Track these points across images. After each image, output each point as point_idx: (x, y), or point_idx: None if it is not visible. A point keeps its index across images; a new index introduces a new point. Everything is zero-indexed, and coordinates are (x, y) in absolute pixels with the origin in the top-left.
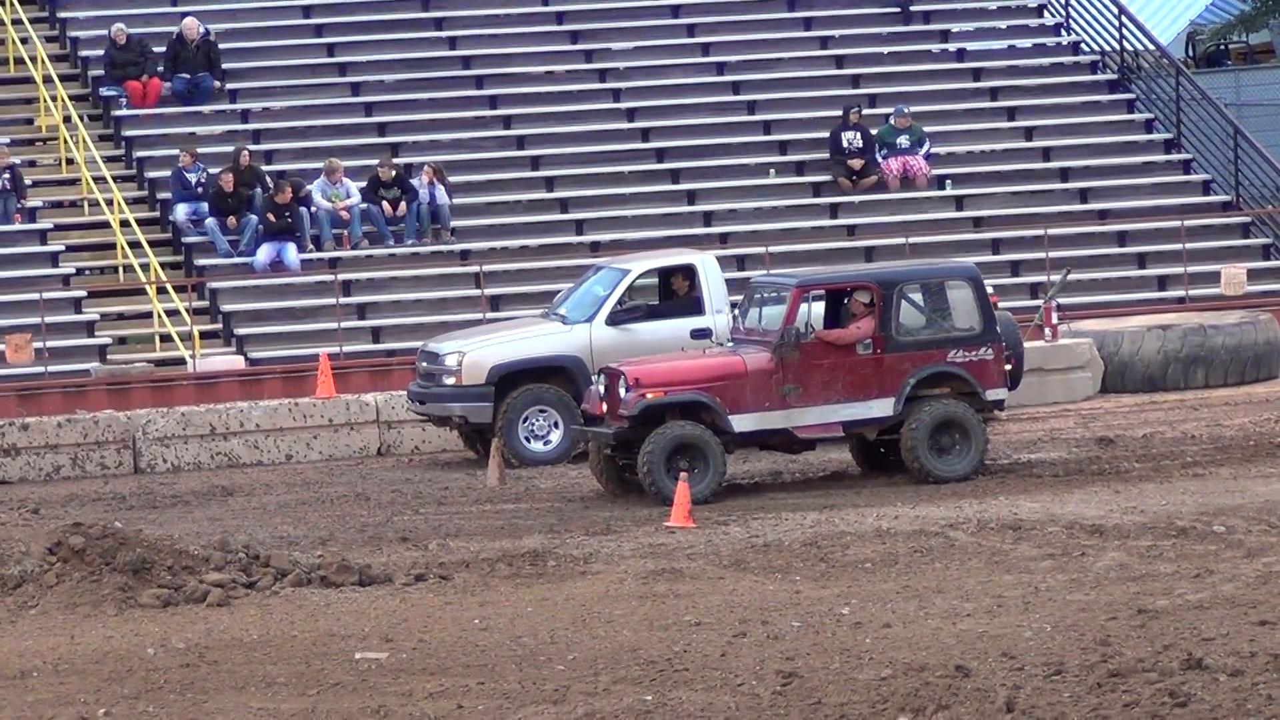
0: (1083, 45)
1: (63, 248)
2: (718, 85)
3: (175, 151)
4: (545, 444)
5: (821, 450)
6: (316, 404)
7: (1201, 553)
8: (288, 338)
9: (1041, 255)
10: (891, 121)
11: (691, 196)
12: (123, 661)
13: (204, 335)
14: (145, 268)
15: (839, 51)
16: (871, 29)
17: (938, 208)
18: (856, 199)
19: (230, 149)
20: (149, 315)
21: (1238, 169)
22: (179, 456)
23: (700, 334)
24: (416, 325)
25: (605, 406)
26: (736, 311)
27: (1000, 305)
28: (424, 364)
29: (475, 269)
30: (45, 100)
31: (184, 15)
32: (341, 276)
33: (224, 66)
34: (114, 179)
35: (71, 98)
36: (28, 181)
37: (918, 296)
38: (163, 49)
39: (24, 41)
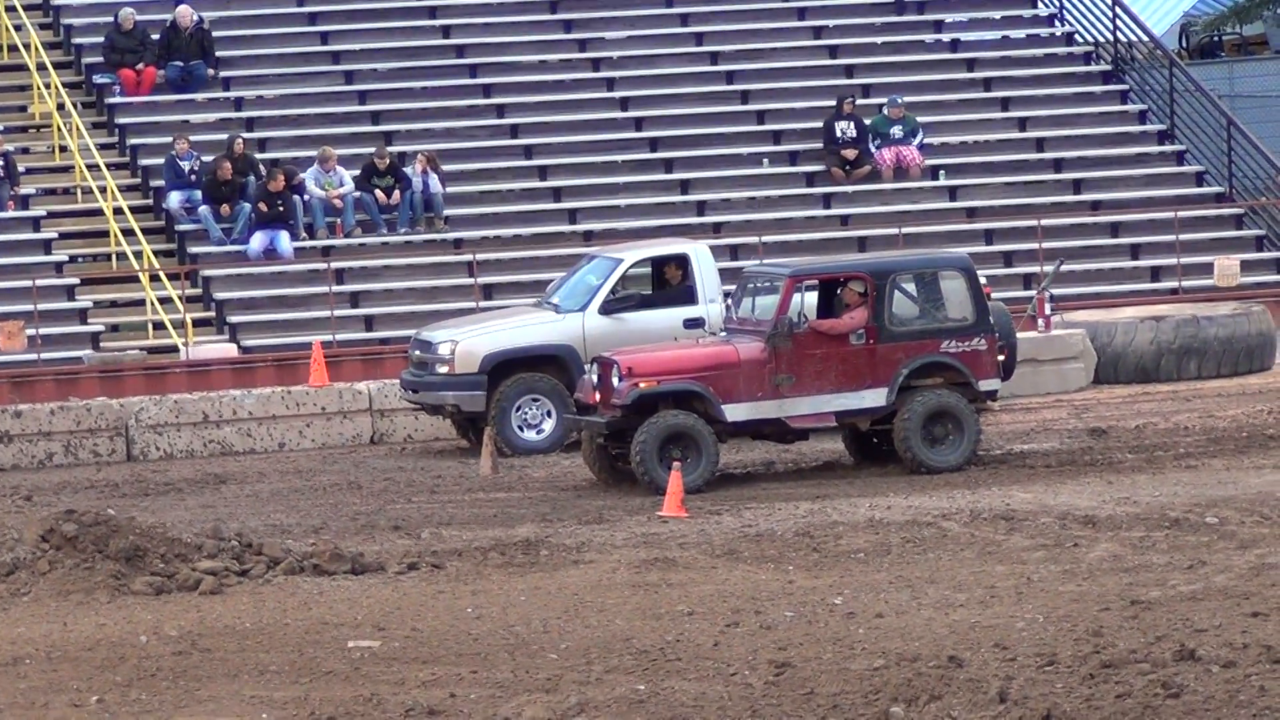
0: (1076, 36)
1: (56, 235)
2: (711, 75)
3: (168, 139)
4: (538, 433)
5: (814, 440)
6: (309, 392)
7: (1194, 544)
8: (281, 326)
9: (1034, 246)
10: (885, 112)
11: (685, 186)
12: (115, 649)
13: (197, 323)
14: (138, 255)
15: (833, 41)
16: (865, 19)
17: (931, 198)
18: (850, 189)
19: (224, 137)
20: (142, 303)
21: (1231, 160)
22: (172, 444)
23: (693, 323)
24: (409, 314)
25: (598, 396)
26: (729, 301)
27: (993, 296)
28: (417, 352)
29: (468, 258)
30: (39, 87)
31: (178, 3)
32: (335, 265)
33: (218, 54)
34: (107, 166)
35: (65, 85)
36: (21, 169)
37: (911, 287)
38: (158, 37)
39: (17, 28)
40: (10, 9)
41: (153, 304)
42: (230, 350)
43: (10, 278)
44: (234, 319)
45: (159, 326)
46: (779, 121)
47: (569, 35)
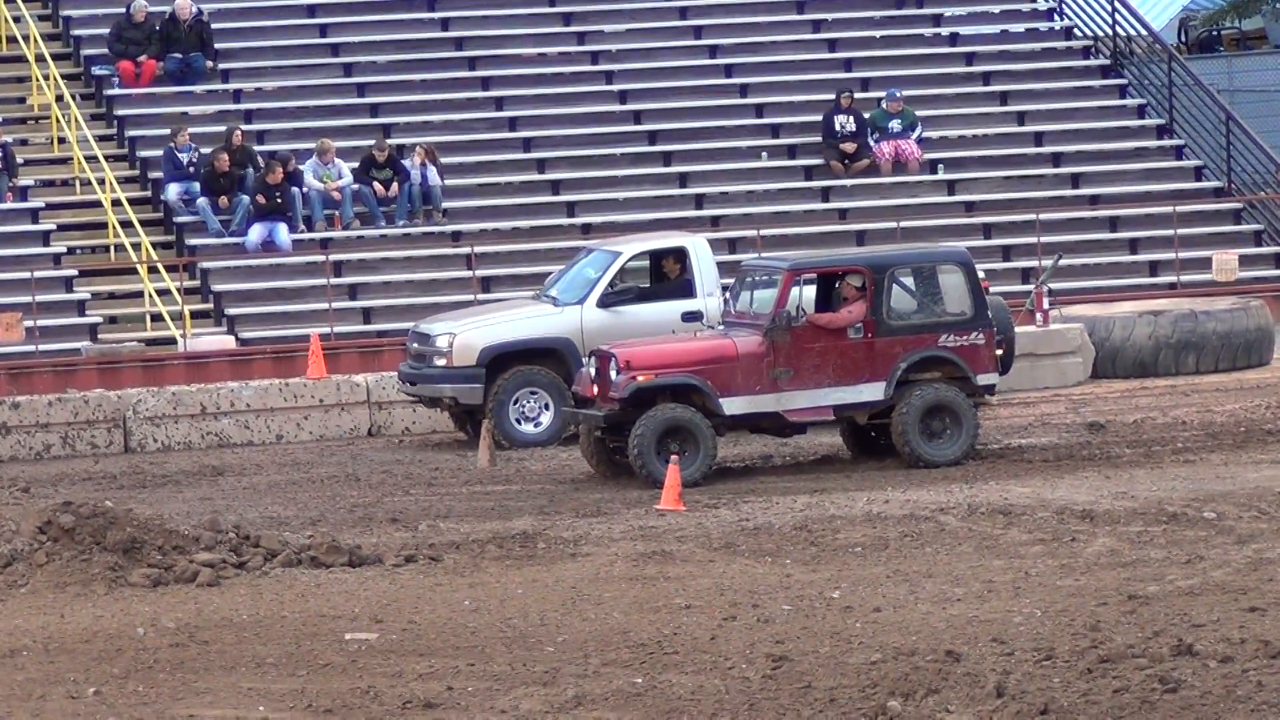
0: (1075, 30)
1: (54, 227)
2: (710, 68)
3: (167, 131)
4: (536, 426)
5: (812, 434)
6: (307, 384)
7: (1192, 539)
8: (278, 318)
9: (1033, 240)
10: (884, 105)
11: (683, 179)
12: (112, 641)
13: (195, 315)
14: (136, 247)
15: (832, 35)
16: (864, 13)
17: (929, 192)
18: (848, 183)
19: (222, 129)
20: (140, 294)
21: (1230, 155)
22: (169, 436)
23: (691, 317)
24: (407, 306)
25: (596, 389)
26: (728, 294)
27: (991, 290)
28: (415, 345)
29: (466, 250)
30: (37, 79)
31: None
32: (333, 257)
33: (216, 46)
34: (106, 158)
35: (64, 77)
36: (19, 160)
37: (909, 280)
38: (156, 29)
39: (16, 20)
40: (10, 0)
41: (151, 296)
42: (228, 342)
43: (8, 269)
44: (232, 311)
45: (157, 318)
46: (777, 115)
47: (568, 28)
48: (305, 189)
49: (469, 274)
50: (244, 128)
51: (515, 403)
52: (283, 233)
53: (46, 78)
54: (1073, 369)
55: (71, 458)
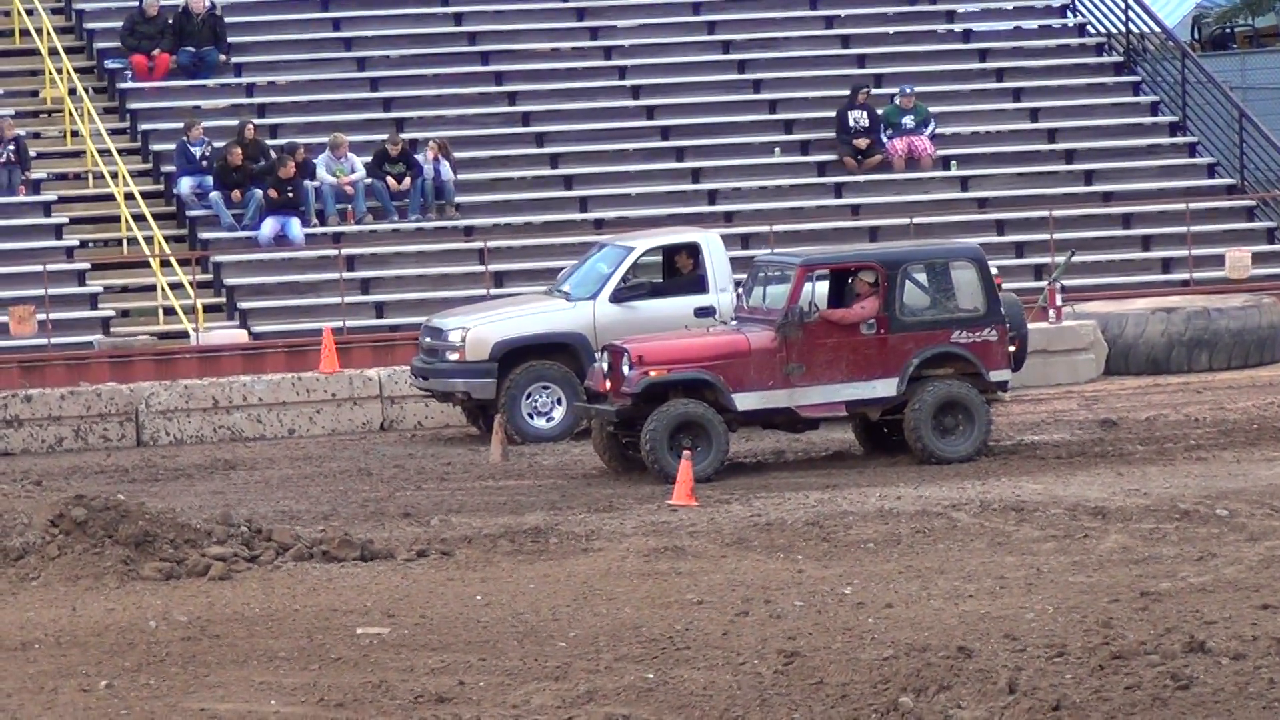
0: (1089, 27)
1: (67, 220)
2: (723, 64)
3: (180, 125)
4: (548, 421)
5: (824, 430)
6: (319, 378)
7: (1204, 536)
8: (291, 312)
9: (1046, 237)
10: (896, 101)
11: (696, 175)
12: (124, 634)
13: (207, 309)
14: (149, 241)
15: (845, 31)
16: (878, 8)
17: (942, 188)
18: (861, 179)
19: (234, 123)
20: (152, 288)
21: (1243, 152)
22: (181, 430)
23: (704, 312)
24: (420, 301)
25: (608, 384)
26: (740, 290)
27: (1004, 286)
28: (427, 339)
29: (479, 245)
30: (50, 72)
31: None
32: (345, 251)
33: (229, 40)
34: (118, 152)
35: (77, 70)
36: (32, 153)
37: (922, 277)
38: (170, 22)
39: (29, 13)
40: None
41: (163, 289)
42: (241, 336)
43: (21, 262)
44: (244, 305)
45: (169, 312)
46: (791, 111)
47: (581, 23)
48: (318, 183)
49: (482, 269)
50: (257, 122)
51: (527, 397)
52: (295, 227)
53: (59, 71)
54: (1085, 366)
55: (84, 451)
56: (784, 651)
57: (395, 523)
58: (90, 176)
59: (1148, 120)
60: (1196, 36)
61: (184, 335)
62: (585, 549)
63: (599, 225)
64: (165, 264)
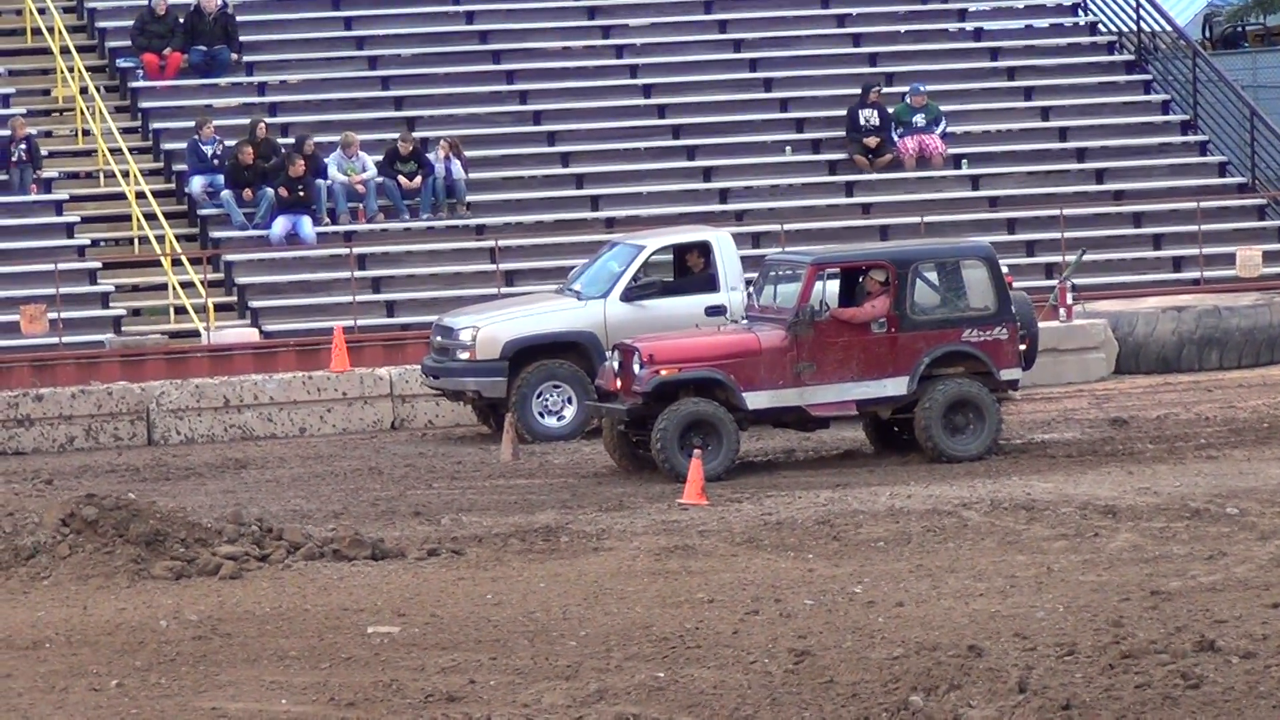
0: (1100, 26)
1: (78, 219)
2: (734, 62)
3: (191, 124)
4: (559, 419)
5: (835, 428)
6: (330, 377)
7: (1214, 535)
8: (302, 311)
9: (1057, 235)
10: (908, 100)
11: (707, 173)
12: (135, 633)
13: (218, 308)
14: (160, 240)
15: (856, 30)
16: (889, 7)
17: (953, 187)
18: (872, 177)
19: (246, 122)
20: (164, 287)
21: (1254, 151)
22: (192, 429)
23: (715, 311)
24: (431, 299)
25: (619, 382)
26: (751, 289)
27: (1015, 285)
28: (438, 338)
29: (490, 244)
30: (62, 71)
31: None
32: (356, 250)
33: (241, 39)
34: (130, 150)
35: (88, 69)
36: (44, 152)
37: (933, 275)
38: (181, 21)
39: (41, 12)
40: None
41: (174, 288)
42: (252, 335)
43: (32, 261)
44: (255, 304)
45: (180, 311)
46: (802, 109)
47: (593, 21)
48: (329, 182)
49: (493, 267)
50: (268, 120)
51: (538, 396)
52: (306, 226)
53: (71, 70)
54: (1096, 364)
55: (95, 450)
56: (794, 650)
57: (406, 522)
58: (101, 175)
59: (1159, 119)
60: (1208, 35)
61: (195, 334)
62: (596, 548)
63: (610, 224)
64: (176, 263)
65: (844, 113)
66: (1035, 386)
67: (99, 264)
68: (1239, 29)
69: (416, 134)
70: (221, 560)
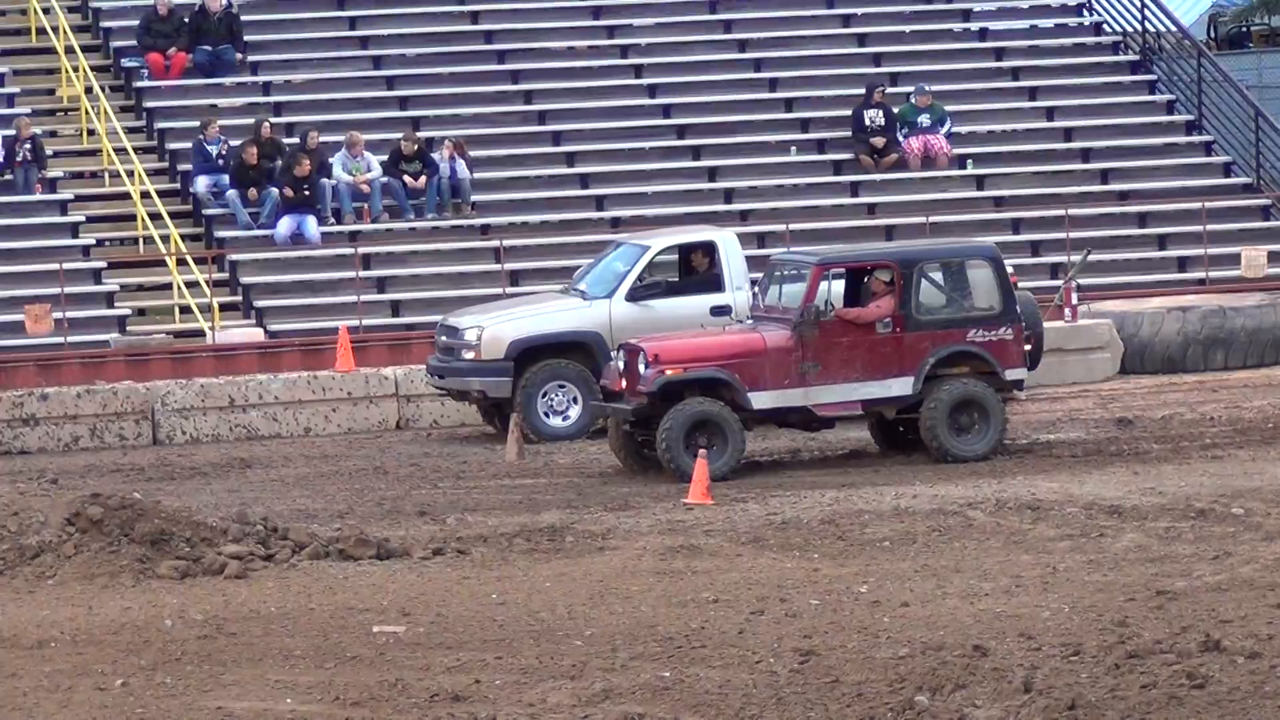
0: (1105, 26)
1: (83, 219)
2: (739, 62)
3: (196, 123)
4: (564, 419)
5: (840, 428)
6: (335, 377)
7: (1220, 535)
8: (307, 310)
9: (1062, 236)
10: (913, 100)
11: (712, 173)
12: (140, 632)
13: (223, 307)
14: (165, 239)
15: (861, 30)
16: (893, 7)
17: (959, 187)
18: (877, 177)
19: (251, 121)
20: (169, 287)
21: (1259, 151)
22: (197, 428)
23: (720, 311)
24: (436, 299)
25: (624, 382)
26: (756, 289)
27: (1020, 285)
28: (443, 338)
29: (495, 244)
30: (67, 71)
31: None
32: (361, 250)
33: (246, 39)
34: (135, 150)
35: (93, 68)
36: (49, 152)
37: (938, 276)
38: (186, 21)
39: (46, 11)
40: None
41: (179, 288)
42: (257, 335)
43: (37, 261)
44: (260, 303)
45: (185, 310)
46: (807, 109)
47: (597, 22)
48: (334, 182)
49: (497, 267)
50: (273, 120)
51: (543, 396)
52: (311, 225)
53: (76, 70)
54: (1101, 364)
55: (100, 449)
56: (800, 650)
57: (411, 521)
58: (106, 175)
59: (1164, 119)
60: (1213, 35)
61: (200, 334)
62: (601, 548)
63: (615, 224)
64: (181, 262)
65: (849, 113)
66: (1040, 387)
67: (104, 264)
68: (1244, 29)
69: (421, 134)
70: (227, 560)
